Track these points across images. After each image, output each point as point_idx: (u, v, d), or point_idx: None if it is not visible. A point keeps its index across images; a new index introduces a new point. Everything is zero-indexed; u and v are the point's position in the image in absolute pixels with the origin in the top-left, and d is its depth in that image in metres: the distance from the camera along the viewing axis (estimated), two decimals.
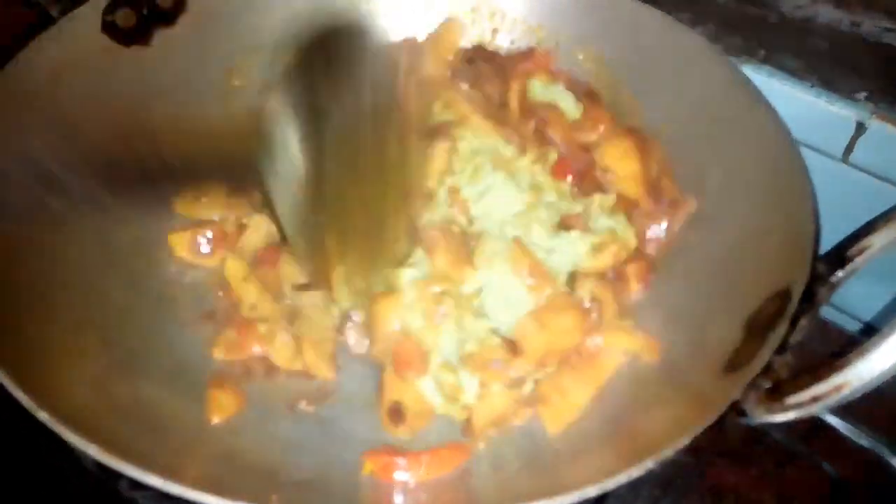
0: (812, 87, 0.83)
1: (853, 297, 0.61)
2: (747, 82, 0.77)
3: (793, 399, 0.51)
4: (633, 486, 0.78)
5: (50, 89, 0.72)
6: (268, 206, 0.66)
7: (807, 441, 0.83)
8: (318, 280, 0.72)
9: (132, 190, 0.67)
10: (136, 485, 0.76)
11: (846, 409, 0.82)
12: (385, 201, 0.69)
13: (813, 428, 0.82)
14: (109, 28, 0.78)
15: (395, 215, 0.71)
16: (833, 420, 0.80)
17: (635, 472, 0.51)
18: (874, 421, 0.78)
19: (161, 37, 0.82)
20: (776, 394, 0.53)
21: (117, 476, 0.75)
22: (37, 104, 0.71)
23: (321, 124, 0.62)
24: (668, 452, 0.51)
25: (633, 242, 0.75)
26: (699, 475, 0.81)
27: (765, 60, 0.86)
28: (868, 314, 0.92)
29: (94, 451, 0.51)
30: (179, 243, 0.78)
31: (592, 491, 0.50)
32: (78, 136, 0.70)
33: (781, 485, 0.80)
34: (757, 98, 0.74)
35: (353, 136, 0.65)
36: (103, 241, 0.72)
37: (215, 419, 0.65)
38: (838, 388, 0.48)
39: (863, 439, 0.78)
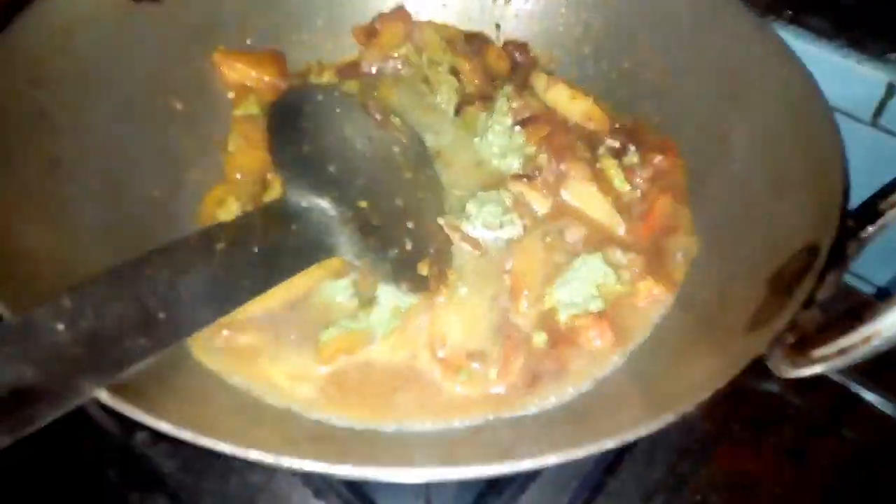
0: (841, 47, 0.80)
1: (867, 261, 0.59)
2: (771, 34, 0.74)
3: (819, 352, 0.49)
4: (650, 451, 0.79)
5: (62, 45, 0.70)
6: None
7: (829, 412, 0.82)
8: None
9: None
10: (150, 441, 0.77)
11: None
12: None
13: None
14: None
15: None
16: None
17: (654, 426, 0.50)
18: None
19: None
20: (802, 348, 0.51)
21: (131, 431, 0.76)
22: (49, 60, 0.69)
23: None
24: (688, 407, 0.50)
25: None
26: (717, 443, 0.80)
27: (792, 20, 0.83)
28: (883, 279, 0.91)
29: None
30: None
31: (610, 444, 0.49)
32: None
33: (802, 455, 0.79)
34: (782, 50, 0.71)
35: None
36: None
37: None
38: (867, 340, 0.46)
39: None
